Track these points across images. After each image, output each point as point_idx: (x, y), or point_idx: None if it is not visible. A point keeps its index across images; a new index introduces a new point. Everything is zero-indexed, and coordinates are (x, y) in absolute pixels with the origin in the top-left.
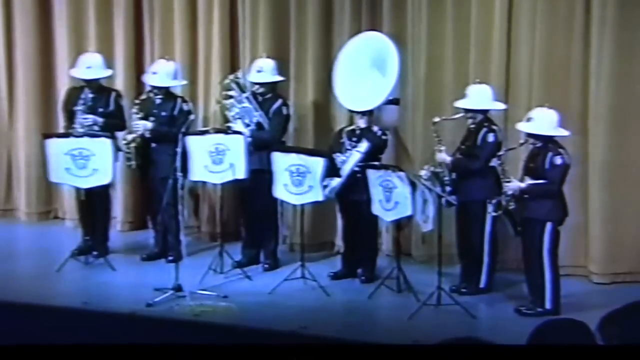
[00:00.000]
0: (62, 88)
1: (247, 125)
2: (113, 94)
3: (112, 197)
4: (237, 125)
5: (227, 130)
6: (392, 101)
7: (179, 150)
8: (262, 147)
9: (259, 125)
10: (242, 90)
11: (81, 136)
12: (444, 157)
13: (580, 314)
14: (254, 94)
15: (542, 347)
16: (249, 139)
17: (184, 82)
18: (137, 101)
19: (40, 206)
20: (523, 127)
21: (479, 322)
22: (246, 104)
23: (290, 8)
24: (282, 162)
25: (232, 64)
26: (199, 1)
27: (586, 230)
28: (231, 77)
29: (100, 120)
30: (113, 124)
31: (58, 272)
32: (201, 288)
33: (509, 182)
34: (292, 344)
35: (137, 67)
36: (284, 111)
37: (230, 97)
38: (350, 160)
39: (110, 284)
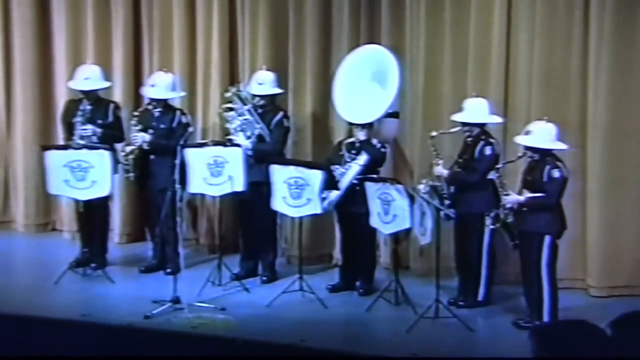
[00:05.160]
0: (61, 100)
1: (249, 138)
2: (111, 106)
3: (111, 209)
4: (239, 138)
5: (225, 143)
6: (392, 114)
7: (177, 162)
8: (263, 159)
9: (260, 137)
10: (244, 102)
11: (80, 148)
12: (441, 170)
13: None
14: (255, 107)
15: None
16: (250, 152)
17: (183, 94)
18: (135, 113)
19: (38, 218)
20: (521, 140)
21: (477, 335)
22: (247, 116)
23: (289, 21)
24: (280, 175)
25: (231, 76)
26: (198, 13)
27: (584, 243)
28: (233, 89)
29: (99, 130)
30: (111, 135)
31: (56, 284)
32: (199, 300)
33: (507, 195)
34: (290, 356)
35: (136, 79)
36: (285, 123)
37: (231, 109)
38: (349, 172)
39: (108, 296)
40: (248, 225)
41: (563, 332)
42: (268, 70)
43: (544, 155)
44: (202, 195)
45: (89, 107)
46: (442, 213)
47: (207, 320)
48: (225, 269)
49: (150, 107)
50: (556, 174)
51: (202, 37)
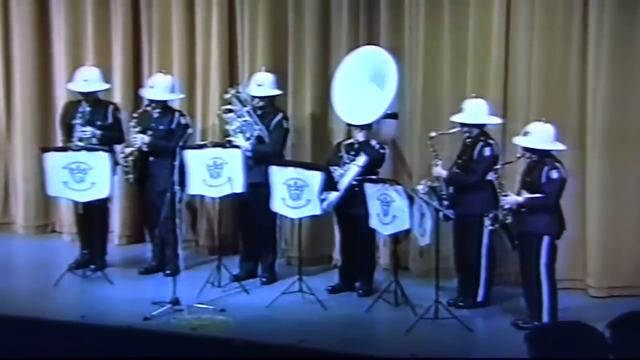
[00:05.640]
0: (60, 102)
1: (248, 139)
2: (110, 107)
3: (110, 211)
4: (238, 139)
5: (225, 144)
6: (391, 115)
7: (176, 164)
8: (262, 160)
9: (259, 139)
10: (243, 104)
11: (79, 150)
12: (440, 171)
13: None
14: (254, 108)
15: None
16: (250, 153)
17: (182, 95)
18: (135, 115)
19: (38, 220)
20: (520, 141)
21: (476, 335)
22: (247, 118)
23: (288, 22)
24: (279, 176)
25: (231, 78)
26: (197, 15)
27: (584, 244)
28: (232, 91)
29: (98, 132)
30: (111, 136)
31: (56, 285)
32: (199, 302)
33: (506, 196)
34: (289, 357)
35: (135, 80)
36: (284, 125)
37: (231, 110)
38: (348, 173)
39: (107, 297)
40: (247, 226)
41: (558, 334)
42: (267, 71)
43: (543, 156)
44: (202, 197)
45: (88, 109)
46: (441, 214)
47: (207, 321)
48: (225, 270)
49: (149, 108)
50: (555, 174)
51: (201, 39)
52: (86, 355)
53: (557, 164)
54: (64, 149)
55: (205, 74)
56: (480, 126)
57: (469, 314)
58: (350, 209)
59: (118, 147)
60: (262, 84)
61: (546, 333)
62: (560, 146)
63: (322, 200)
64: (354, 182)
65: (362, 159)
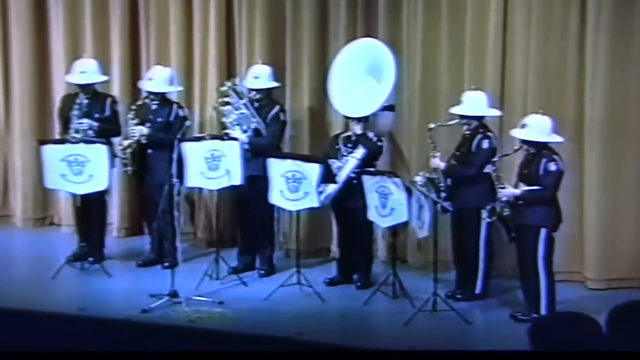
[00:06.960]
0: (58, 94)
1: (245, 132)
2: (108, 100)
3: (108, 203)
4: (235, 132)
5: (222, 137)
6: (388, 107)
7: (174, 156)
8: (259, 153)
9: (256, 131)
10: (240, 96)
11: (77, 142)
12: (438, 163)
13: None
14: (251, 101)
15: (537, 354)
16: (247, 146)
17: (180, 88)
18: (133, 107)
19: (36, 212)
20: (517, 133)
21: (474, 328)
22: (244, 111)
23: (286, 14)
24: (277, 169)
25: (228, 70)
26: (194, 7)
27: (581, 236)
28: (229, 83)
29: (95, 124)
30: (108, 129)
31: (54, 278)
32: (197, 294)
33: (503, 188)
34: (287, 350)
35: (133, 73)
36: (282, 117)
37: (228, 103)
38: (346, 166)
39: (106, 290)
40: (245, 219)
41: (560, 326)
42: (264, 64)
43: (540, 149)
44: (200, 189)
45: (85, 101)
46: (438, 206)
47: (205, 314)
48: (223, 263)
49: (147, 100)
50: (552, 167)
51: (199, 31)
52: (84, 348)
53: (555, 157)
54: (62, 142)
55: (203, 66)
56: (480, 118)
57: (467, 307)
58: (348, 201)
59: (116, 140)
60: (259, 76)
61: (549, 325)
62: (557, 138)
63: (320, 193)
64: (352, 175)
65: (360, 152)
